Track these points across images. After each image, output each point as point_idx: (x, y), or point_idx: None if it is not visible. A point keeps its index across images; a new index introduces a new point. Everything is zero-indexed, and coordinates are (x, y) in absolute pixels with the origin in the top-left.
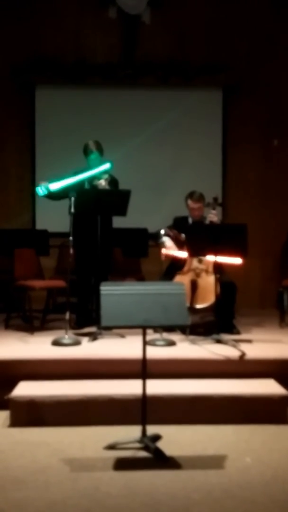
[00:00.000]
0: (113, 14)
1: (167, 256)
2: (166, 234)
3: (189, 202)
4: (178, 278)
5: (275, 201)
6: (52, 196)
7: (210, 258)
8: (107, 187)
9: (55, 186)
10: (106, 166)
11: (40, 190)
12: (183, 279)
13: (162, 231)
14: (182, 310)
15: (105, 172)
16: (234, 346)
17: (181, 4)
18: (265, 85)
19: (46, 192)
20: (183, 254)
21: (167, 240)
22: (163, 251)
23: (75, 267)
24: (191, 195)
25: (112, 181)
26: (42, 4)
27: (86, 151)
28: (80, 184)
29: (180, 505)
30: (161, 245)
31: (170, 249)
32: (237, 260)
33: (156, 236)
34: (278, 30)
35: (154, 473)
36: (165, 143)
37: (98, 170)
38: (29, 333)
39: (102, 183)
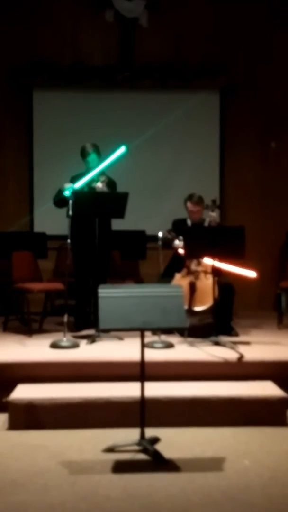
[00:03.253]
0: (110, 17)
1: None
2: (164, 237)
3: (188, 204)
4: (176, 281)
5: (273, 203)
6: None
7: (208, 261)
8: (105, 189)
9: (79, 184)
10: (122, 149)
11: (67, 192)
12: (181, 281)
13: (160, 234)
14: (181, 312)
15: (102, 174)
16: (233, 348)
17: (178, 7)
18: (262, 88)
19: (71, 191)
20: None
21: (177, 242)
22: (180, 251)
23: (73, 270)
24: (190, 198)
25: (110, 184)
26: (40, 7)
27: (84, 154)
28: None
29: (179, 508)
30: (175, 246)
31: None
32: (251, 274)
33: (166, 241)
34: (275, 32)
35: (153, 475)
36: (163, 145)
37: (115, 156)
38: (27, 335)
39: (100, 185)
